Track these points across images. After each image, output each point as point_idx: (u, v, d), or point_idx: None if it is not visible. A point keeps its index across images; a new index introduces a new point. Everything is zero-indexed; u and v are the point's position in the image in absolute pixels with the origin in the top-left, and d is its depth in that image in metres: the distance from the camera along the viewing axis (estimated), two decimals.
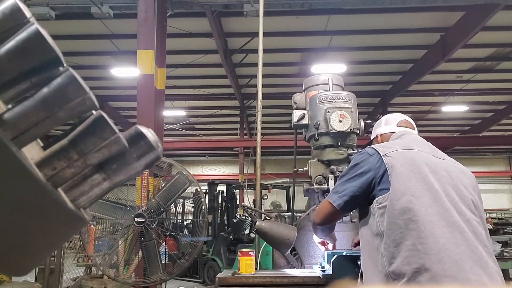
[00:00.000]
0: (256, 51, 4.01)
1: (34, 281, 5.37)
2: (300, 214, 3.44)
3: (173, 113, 14.49)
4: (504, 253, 6.22)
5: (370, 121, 3.33)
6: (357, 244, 2.16)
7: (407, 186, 1.50)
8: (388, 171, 1.57)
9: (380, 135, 1.98)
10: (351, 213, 3.20)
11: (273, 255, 3.35)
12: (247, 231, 9.28)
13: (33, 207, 0.49)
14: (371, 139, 2.05)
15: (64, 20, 7.85)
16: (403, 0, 6.96)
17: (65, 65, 0.51)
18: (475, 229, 1.47)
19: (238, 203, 10.77)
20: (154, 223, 3.81)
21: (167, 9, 6.46)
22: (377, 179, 1.60)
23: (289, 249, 2.74)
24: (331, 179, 2.92)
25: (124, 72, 10.91)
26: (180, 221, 9.46)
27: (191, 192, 6.55)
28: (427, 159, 1.60)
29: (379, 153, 1.63)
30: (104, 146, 0.51)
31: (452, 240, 1.41)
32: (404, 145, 1.67)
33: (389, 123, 1.97)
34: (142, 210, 3.81)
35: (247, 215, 3.62)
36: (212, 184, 9.63)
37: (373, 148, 1.69)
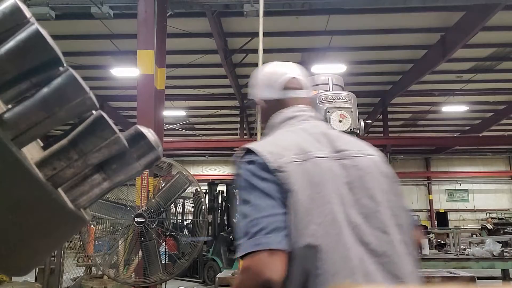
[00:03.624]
0: (256, 51, 4.01)
1: (34, 281, 5.37)
2: None
3: (173, 113, 14.50)
4: (504, 253, 6.21)
5: (370, 121, 3.33)
6: None
7: (305, 225, 1.11)
8: (284, 195, 1.13)
9: (265, 101, 1.42)
10: None
11: None
12: None
13: (33, 207, 0.49)
14: (250, 100, 1.52)
15: (64, 20, 7.85)
16: (403, 0, 6.96)
17: (65, 65, 0.51)
18: (385, 257, 1.17)
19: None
20: (154, 223, 3.81)
21: (167, 9, 6.46)
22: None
23: None
24: None
25: (124, 72, 10.91)
26: (180, 221, 9.46)
27: (191, 192, 6.55)
28: (328, 170, 1.20)
29: (270, 169, 1.15)
30: (104, 146, 0.51)
31: None
32: (300, 149, 1.21)
33: (271, 83, 1.41)
34: (142, 210, 3.81)
35: None
36: (212, 184, 9.63)
37: (261, 156, 1.18)
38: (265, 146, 1.23)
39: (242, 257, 1.09)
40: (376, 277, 1.14)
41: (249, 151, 1.22)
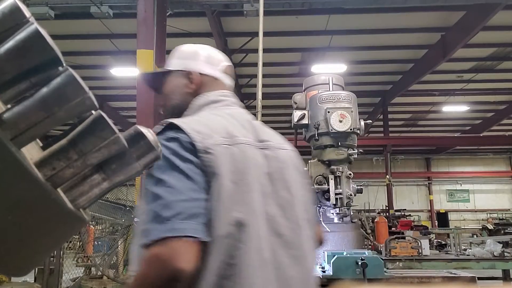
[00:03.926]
0: (256, 51, 4.00)
1: (33, 281, 5.36)
2: None
3: None
4: (505, 253, 6.21)
5: (370, 121, 3.33)
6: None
7: (228, 212, 1.07)
8: (208, 178, 1.06)
9: (200, 74, 1.33)
10: (351, 213, 3.21)
11: None
12: None
13: (33, 207, 0.49)
14: (172, 69, 1.36)
15: (63, 19, 7.85)
16: (403, 0, 6.96)
17: (64, 65, 0.51)
18: (297, 250, 1.18)
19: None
20: None
21: (167, 8, 6.46)
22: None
23: None
24: (331, 179, 2.92)
25: (123, 72, 10.92)
26: None
27: None
28: (252, 158, 1.16)
29: (196, 149, 1.07)
30: (104, 146, 0.51)
31: None
32: (227, 133, 1.15)
33: (213, 62, 1.37)
34: None
35: None
36: None
37: (186, 134, 1.08)
38: (191, 124, 1.12)
39: (148, 245, 0.96)
40: (288, 269, 1.14)
41: (172, 127, 1.09)
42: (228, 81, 1.38)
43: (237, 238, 1.06)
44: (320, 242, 1.39)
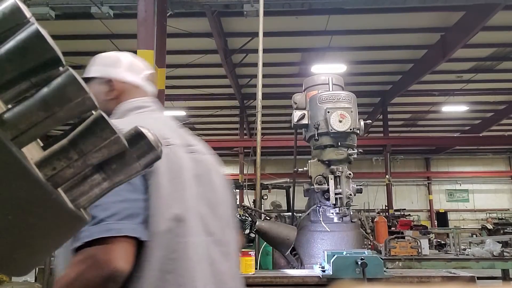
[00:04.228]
0: (256, 51, 4.01)
1: (34, 281, 5.37)
2: (300, 214, 3.44)
3: (173, 113, 14.49)
4: (504, 253, 6.22)
5: (370, 121, 3.33)
6: None
7: (167, 209, 1.09)
8: (146, 177, 1.07)
9: (121, 82, 1.34)
10: (351, 212, 3.21)
11: (273, 255, 3.35)
12: (247, 231, 9.27)
13: (33, 207, 0.49)
14: (91, 76, 1.36)
15: (64, 20, 7.85)
16: (403, 0, 6.97)
17: (65, 65, 0.51)
18: (226, 247, 1.25)
19: (238, 203, 10.76)
20: None
21: (167, 9, 6.46)
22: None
23: (289, 249, 2.75)
24: (331, 179, 2.92)
25: None
26: None
27: None
28: (183, 160, 1.20)
29: None
30: (104, 146, 0.51)
31: None
32: (159, 134, 1.09)
33: (135, 70, 1.38)
34: None
35: (247, 215, 3.62)
36: None
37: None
38: (125, 124, 1.09)
39: (82, 246, 0.94)
40: (220, 265, 1.21)
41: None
42: (151, 88, 1.41)
43: (177, 233, 1.10)
44: (239, 243, 1.46)
